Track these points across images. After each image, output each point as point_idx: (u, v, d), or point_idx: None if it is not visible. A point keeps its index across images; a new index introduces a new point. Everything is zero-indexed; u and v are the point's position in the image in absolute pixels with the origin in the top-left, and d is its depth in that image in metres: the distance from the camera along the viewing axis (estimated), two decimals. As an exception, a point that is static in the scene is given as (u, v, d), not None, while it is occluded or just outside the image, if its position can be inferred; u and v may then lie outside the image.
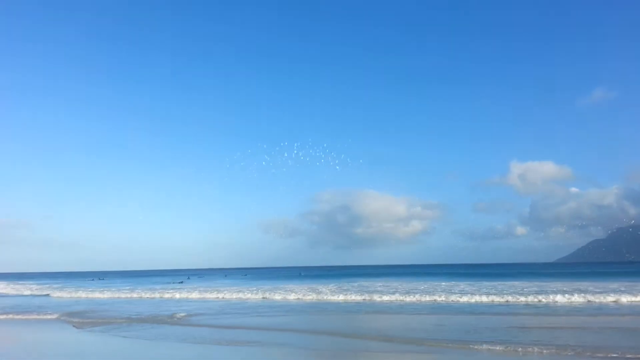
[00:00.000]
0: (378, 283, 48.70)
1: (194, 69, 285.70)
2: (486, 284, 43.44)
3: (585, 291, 30.71)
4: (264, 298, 35.87)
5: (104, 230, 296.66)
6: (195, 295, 40.15)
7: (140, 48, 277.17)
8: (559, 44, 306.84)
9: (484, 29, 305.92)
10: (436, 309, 25.43)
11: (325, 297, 33.94)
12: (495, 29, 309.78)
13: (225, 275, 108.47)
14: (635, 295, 27.71)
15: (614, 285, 36.70)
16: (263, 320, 22.51)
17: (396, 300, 30.70)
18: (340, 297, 33.38)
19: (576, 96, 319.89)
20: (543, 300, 27.54)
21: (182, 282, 71.78)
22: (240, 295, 37.96)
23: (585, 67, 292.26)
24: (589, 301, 26.85)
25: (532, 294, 30.48)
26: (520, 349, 12.80)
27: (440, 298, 30.50)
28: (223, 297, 38.01)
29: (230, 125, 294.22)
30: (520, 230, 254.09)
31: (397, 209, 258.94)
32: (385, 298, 31.61)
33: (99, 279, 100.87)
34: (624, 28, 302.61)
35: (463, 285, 42.17)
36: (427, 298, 30.77)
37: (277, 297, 35.94)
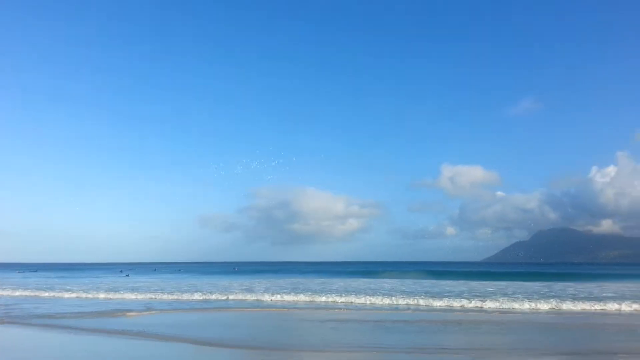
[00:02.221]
0: (316, 281, 48.03)
1: (131, 61, 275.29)
2: (425, 282, 43.90)
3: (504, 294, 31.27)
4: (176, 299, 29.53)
5: (30, 221, 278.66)
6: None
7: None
8: (491, 52, 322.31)
9: (421, 30, 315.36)
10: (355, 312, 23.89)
11: (233, 297, 29.49)
12: (434, 31, 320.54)
13: (155, 270, 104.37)
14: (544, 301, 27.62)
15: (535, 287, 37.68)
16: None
17: (346, 302, 28.55)
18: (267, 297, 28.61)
19: (504, 105, 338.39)
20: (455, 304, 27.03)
21: (127, 276, 69.80)
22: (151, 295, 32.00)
23: (514, 78, 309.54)
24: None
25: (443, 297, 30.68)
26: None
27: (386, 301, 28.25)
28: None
29: (171, 119, 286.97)
30: (450, 230, 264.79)
31: (335, 207, 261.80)
32: (330, 299, 27.39)
33: (33, 271, 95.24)
34: (554, 43, 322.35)
35: (409, 282, 42.32)
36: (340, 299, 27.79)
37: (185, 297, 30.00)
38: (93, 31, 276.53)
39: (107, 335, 15.08)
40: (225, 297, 29.27)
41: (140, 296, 30.98)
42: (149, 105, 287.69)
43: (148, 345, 13.55)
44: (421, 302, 25.23)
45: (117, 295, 31.63)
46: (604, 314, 20.43)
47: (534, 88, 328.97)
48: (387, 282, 43.71)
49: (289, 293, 30.43)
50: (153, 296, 30.71)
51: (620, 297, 25.68)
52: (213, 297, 29.57)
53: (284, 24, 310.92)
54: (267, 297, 28.36)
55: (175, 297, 29.93)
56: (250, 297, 28.78)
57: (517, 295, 27.73)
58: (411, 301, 25.51)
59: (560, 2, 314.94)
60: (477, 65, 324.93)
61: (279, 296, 28.65)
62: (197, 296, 29.87)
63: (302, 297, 28.44)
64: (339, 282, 45.02)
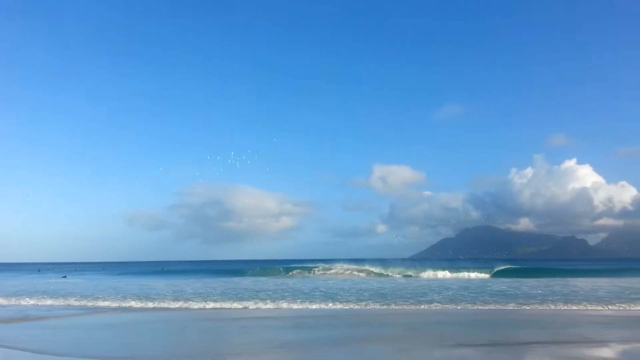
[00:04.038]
0: (245, 280, 47.19)
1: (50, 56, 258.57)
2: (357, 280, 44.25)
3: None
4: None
5: None
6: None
7: None
8: (418, 55, 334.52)
9: (354, 31, 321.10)
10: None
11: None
12: (365, 32, 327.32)
13: (75, 269, 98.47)
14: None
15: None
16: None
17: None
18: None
19: (431, 108, 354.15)
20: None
21: (65, 277, 64.51)
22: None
23: (440, 82, 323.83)
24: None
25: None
26: None
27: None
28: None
29: (98, 114, 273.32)
30: (381, 228, 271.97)
31: (268, 205, 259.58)
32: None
33: None
34: (475, 48, 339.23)
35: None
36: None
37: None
38: None
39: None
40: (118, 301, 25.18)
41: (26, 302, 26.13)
42: (71, 100, 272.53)
43: None
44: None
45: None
46: (514, 309, 21.38)
47: (458, 92, 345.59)
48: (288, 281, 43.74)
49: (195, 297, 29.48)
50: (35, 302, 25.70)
51: (540, 294, 27.16)
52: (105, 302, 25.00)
53: (213, 20, 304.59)
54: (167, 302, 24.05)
55: (64, 302, 25.48)
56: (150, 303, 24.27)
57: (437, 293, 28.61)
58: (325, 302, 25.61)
59: (484, 8, 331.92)
60: (406, 68, 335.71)
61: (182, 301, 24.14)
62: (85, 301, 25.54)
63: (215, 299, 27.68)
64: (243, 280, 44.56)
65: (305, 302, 23.63)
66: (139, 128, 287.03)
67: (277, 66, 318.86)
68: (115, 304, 23.94)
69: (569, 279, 42.60)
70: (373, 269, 51.72)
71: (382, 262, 55.38)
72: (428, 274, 48.40)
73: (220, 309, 21.92)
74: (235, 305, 22.66)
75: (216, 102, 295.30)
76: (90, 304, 24.45)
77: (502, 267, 54.67)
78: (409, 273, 49.48)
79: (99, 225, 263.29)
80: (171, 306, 22.83)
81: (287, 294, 28.58)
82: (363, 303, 22.63)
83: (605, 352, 11.43)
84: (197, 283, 40.45)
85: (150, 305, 23.29)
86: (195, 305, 22.92)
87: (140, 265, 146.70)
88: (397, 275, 48.58)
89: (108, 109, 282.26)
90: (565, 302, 21.84)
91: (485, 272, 49.21)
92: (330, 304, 22.38)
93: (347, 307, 21.60)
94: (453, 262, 60.59)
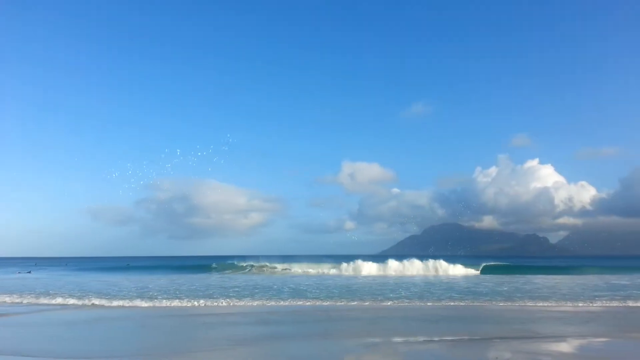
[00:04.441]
0: (212, 276, 46.64)
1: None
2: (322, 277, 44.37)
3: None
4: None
5: None
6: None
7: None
8: (387, 55, 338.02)
9: (336, 24, 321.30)
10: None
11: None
12: (344, 26, 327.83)
13: (35, 264, 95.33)
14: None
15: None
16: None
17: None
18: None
19: (401, 107, 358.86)
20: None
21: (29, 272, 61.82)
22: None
23: (408, 83, 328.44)
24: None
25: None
26: None
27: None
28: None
29: (55, 102, 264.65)
30: (350, 225, 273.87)
31: (237, 201, 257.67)
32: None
33: None
34: (443, 50, 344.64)
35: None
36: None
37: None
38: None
39: None
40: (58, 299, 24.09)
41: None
42: (33, 90, 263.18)
43: None
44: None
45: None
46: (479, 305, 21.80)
47: (427, 92, 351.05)
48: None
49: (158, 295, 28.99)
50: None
51: (506, 291, 27.77)
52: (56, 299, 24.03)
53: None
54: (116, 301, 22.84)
55: (20, 299, 24.33)
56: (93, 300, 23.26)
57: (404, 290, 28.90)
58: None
59: (455, 9, 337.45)
60: (376, 66, 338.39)
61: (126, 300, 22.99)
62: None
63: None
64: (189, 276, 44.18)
65: (273, 298, 23.52)
66: (105, 119, 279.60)
67: (251, 58, 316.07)
68: (75, 302, 23.20)
69: (530, 276, 43.86)
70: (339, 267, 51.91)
71: (350, 259, 55.69)
72: (397, 270, 48.88)
73: (184, 306, 21.55)
74: (202, 302, 22.31)
75: (188, 95, 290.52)
76: (51, 301, 23.64)
77: (490, 264, 55.86)
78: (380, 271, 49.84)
79: (62, 220, 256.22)
80: (135, 303, 22.32)
81: (257, 290, 28.40)
82: (332, 299, 22.69)
83: (563, 346, 11.75)
84: (161, 279, 39.78)
85: (113, 302, 22.69)
86: (159, 302, 22.48)
87: (104, 260, 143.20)
88: (368, 273, 48.90)
89: (74, 99, 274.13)
90: (528, 299, 22.44)
91: (475, 269, 49.82)
92: (300, 301, 22.36)
93: (316, 304, 21.60)
94: (420, 259, 61.56)
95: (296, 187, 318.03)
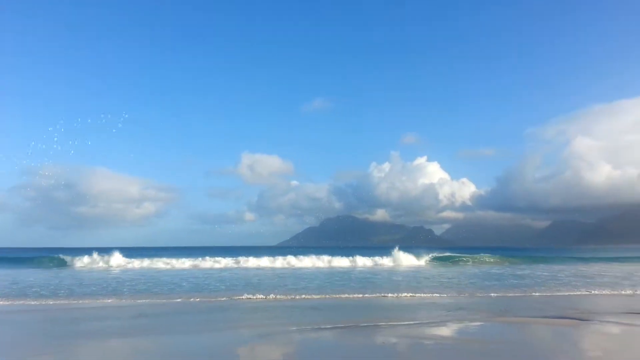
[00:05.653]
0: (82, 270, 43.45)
1: None
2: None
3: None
4: None
5: None
6: None
7: None
8: (291, 54, 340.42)
9: (232, 30, 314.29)
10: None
11: None
12: (243, 29, 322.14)
13: None
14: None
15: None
16: None
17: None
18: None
19: (300, 102, 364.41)
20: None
21: None
22: None
23: (310, 79, 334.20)
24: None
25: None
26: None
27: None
28: None
29: None
30: (249, 216, 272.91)
31: (129, 190, 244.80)
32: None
33: None
34: (345, 50, 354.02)
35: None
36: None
37: None
38: None
39: None
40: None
41: None
42: None
43: None
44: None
45: None
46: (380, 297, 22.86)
47: (327, 88, 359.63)
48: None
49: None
50: None
51: (402, 281, 29.27)
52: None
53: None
54: None
55: None
56: None
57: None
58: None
59: (363, 13, 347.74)
60: (279, 57, 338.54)
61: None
62: None
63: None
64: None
65: (168, 294, 22.62)
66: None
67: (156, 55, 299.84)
68: None
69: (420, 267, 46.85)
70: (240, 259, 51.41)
71: (250, 250, 55.38)
72: (295, 262, 49.47)
73: (51, 304, 20.03)
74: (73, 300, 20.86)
75: (80, 79, 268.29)
76: None
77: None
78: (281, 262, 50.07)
79: None
80: None
81: (150, 283, 27.10)
82: (230, 293, 22.37)
83: (443, 330, 12.80)
84: (38, 274, 36.47)
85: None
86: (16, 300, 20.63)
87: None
88: (269, 264, 48.85)
89: None
90: (417, 289, 23.97)
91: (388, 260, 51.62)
92: (198, 297, 21.79)
93: (213, 300, 21.21)
94: (317, 250, 62.99)
95: (194, 177, 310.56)
